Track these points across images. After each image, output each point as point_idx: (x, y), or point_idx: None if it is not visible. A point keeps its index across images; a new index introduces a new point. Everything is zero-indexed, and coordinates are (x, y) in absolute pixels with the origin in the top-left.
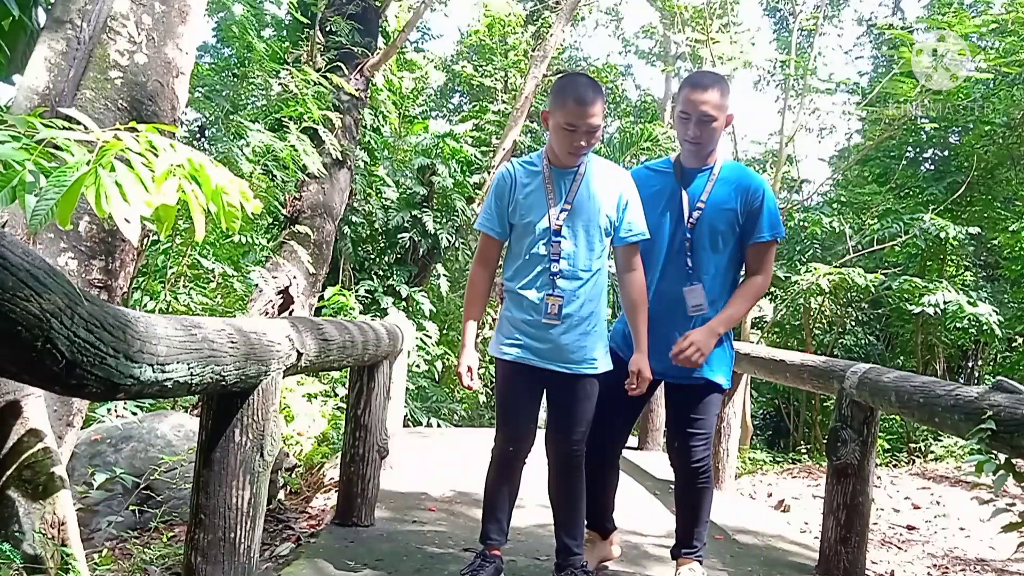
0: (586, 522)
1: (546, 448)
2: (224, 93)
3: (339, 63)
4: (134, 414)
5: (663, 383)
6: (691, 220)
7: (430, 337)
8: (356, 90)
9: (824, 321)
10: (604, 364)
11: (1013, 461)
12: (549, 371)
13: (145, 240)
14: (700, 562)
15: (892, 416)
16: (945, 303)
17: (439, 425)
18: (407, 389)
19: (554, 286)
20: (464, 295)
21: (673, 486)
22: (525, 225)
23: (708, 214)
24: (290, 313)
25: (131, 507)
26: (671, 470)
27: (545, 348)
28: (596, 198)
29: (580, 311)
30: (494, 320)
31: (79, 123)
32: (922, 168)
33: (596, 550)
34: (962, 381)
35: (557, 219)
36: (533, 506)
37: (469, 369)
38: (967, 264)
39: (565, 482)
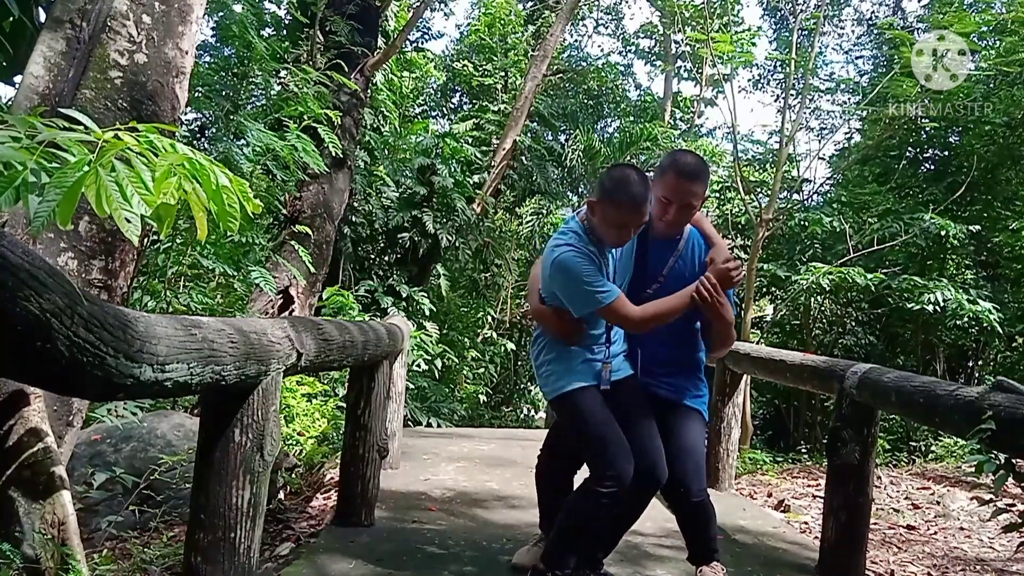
0: (544, 527)
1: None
2: (224, 93)
3: (339, 63)
4: (134, 414)
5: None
6: (649, 291)
7: (430, 337)
8: (357, 89)
9: (824, 321)
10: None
11: (1013, 461)
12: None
13: (145, 240)
14: (719, 560)
15: (892, 416)
16: (944, 301)
17: (439, 425)
18: (407, 389)
19: (607, 355)
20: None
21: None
22: None
23: (667, 287)
24: (290, 313)
25: (131, 507)
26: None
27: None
28: (628, 252)
29: (624, 364)
30: (507, 322)
31: (79, 123)
32: (922, 168)
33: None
34: (962, 381)
35: None
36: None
37: None
38: (968, 263)
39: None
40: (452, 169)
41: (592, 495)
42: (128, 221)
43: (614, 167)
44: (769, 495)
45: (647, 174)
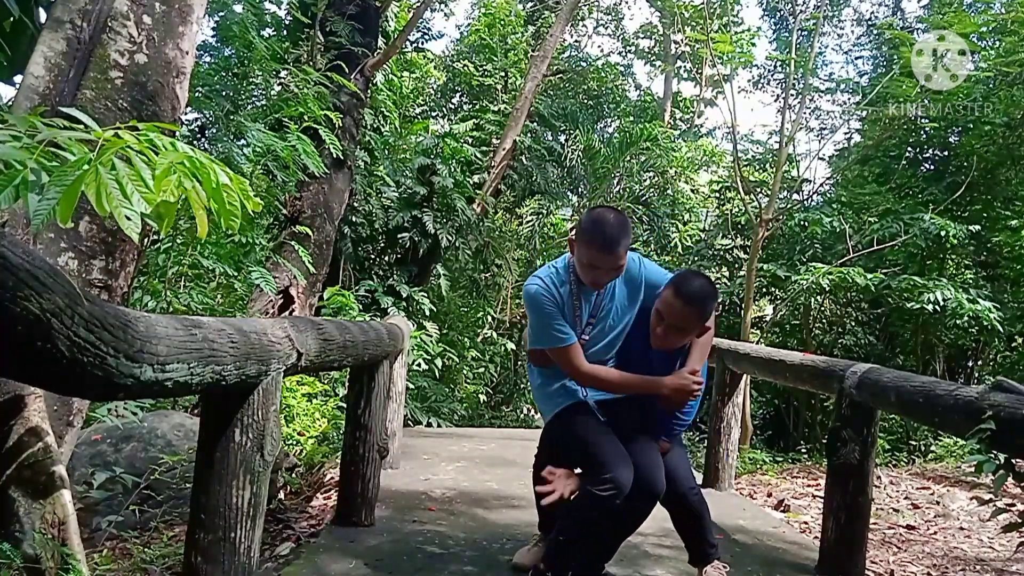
0: (543, 527)
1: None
2: (224, 93)
3: (339, 63)
4: (134, 414)
5: None
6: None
7: (430, 337)
8: (357, 90)
9: (824, 321)
10: None
11: (1013, 461)
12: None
13: (145, 240)
14: (719, 558)
15: (892, 416)
16: (944, 301)
17: (439, 425)
18: (407, 389)
19: (585, 393)
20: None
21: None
22: None
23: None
24: (290, 313)
25: (131, 507)
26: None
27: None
28: (620, 310)
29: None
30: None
31: (80, 122)
32: (922, 168)
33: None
34: (962, 381)
35: (583, 334)
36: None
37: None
38: (967, 263)
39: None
40: (452, 169)
41: (592, 499)
42: (128, 219)
43: (596, 207)
44: (769, 495)
45: (628, 219)
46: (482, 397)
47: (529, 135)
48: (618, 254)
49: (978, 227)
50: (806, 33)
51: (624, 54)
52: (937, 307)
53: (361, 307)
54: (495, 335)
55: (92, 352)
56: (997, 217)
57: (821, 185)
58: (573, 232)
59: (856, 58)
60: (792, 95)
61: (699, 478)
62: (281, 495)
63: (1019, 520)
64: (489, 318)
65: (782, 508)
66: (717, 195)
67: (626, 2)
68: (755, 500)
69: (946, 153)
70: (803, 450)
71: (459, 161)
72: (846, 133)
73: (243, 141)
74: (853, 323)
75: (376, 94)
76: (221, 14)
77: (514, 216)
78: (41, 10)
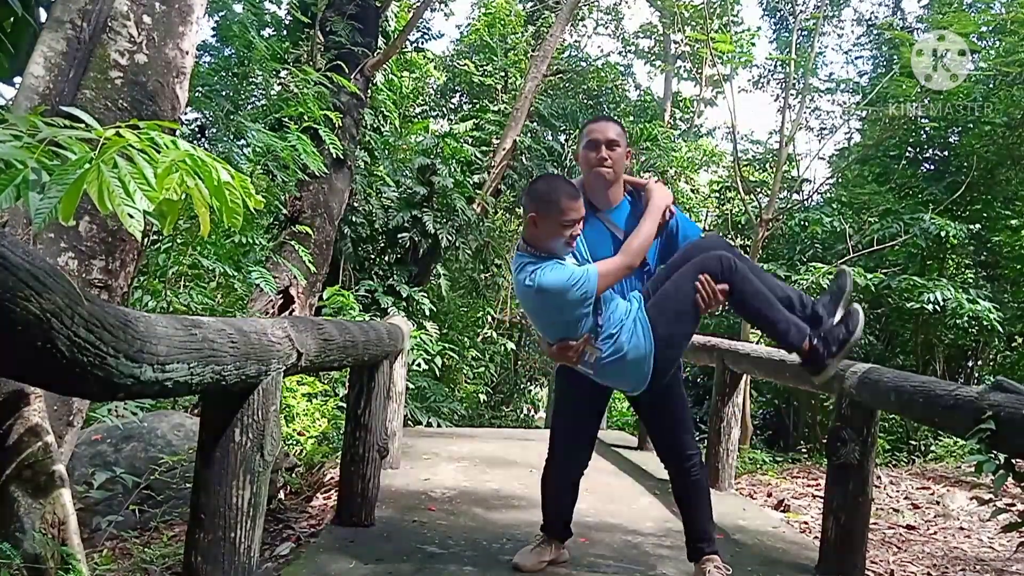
0: (545, 528)
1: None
2: (224, 93)
3: (339, 63)
4: (134, 414)
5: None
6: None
7: (430, 336)
8: (357, 90)
9: None
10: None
11: (1013, 461)
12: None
13: (146, 239)
14: (717, 553)
15: (892, 416)
16: (944, 301)
17: (439, 425)
18: (407, 389)
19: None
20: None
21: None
22: None
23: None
24: (290, 313)
25: (131, 507)
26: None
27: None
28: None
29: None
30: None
31: (81, 122)
32: (922, 168)
33: (551, 551)
34: (961, 381)
35: None
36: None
37: None
38: (968, 263)
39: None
40: (452, 169)
41: (737, 277)
42: (131, 216)
43: (537, 178)
44: (769, 495)
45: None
46: (482, 397)
47: (529, 135)
48: (582, 202)
49: (978, 227)
50: (806, 33)
51: (624, 54)
52: (937, 307)
53: (361, 307)
54: (495, 335)
55: (92, 352)
56: (997, 217)
57: (821, 185)
58: (530, 210)
59: (856, 58)
60: (792, 95)
61: None
62: (281, 495)
63: (1019, 520)
64: (489, 318)
65: (782, 508)
66: (717, 195)
67: (626, 2)
68: (755, 500)
69: (946, 153)
70: (803, 450)
71: (459, 161)
72: (846, 133)
73: (243, 141)
74: None
75: (376, 94)
76: (221, 14)
77: (514, 216)
78: (42, 10)
